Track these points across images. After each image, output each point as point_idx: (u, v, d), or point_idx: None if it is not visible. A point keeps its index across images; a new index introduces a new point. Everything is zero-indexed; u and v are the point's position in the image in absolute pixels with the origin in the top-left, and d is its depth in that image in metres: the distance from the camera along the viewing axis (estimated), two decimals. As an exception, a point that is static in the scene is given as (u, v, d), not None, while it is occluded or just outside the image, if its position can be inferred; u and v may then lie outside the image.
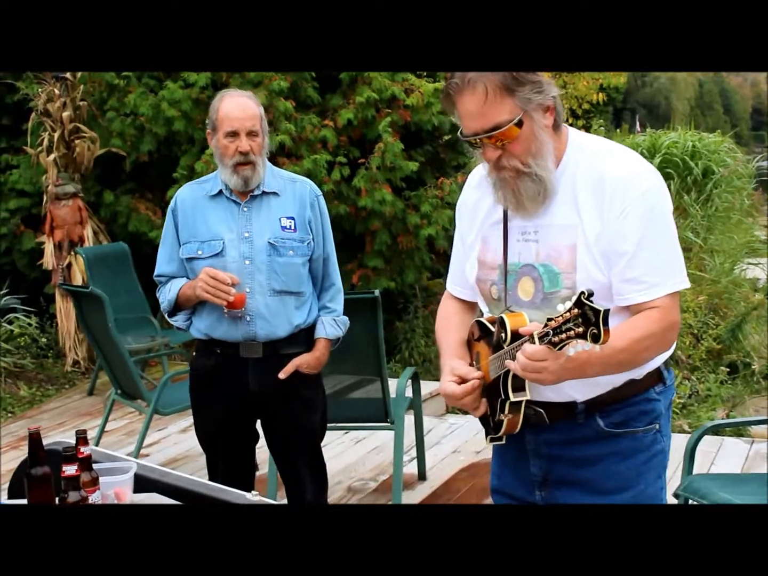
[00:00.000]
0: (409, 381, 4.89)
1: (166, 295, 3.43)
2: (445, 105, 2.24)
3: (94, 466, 2.65)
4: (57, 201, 7.39)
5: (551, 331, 1.97)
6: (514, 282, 2.30)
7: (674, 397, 5.41)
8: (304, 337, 3.47)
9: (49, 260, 7.47)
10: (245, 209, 3.36)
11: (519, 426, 2.29)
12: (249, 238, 3.34)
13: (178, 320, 3.46)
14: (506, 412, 2.25)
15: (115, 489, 2.57)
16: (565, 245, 2.22)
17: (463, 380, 2.32)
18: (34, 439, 2.43)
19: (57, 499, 2.32)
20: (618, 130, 14.30)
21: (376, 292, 4.27)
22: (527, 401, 2.26)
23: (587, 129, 13.26)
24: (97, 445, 5.43)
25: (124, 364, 5.03)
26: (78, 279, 7.36)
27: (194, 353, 3.57)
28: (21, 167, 8.09)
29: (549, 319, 1.99)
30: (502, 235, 2.33)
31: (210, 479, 3.59)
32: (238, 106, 3.28)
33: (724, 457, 5.37)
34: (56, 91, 7.40)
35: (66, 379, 7.46)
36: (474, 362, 2.39)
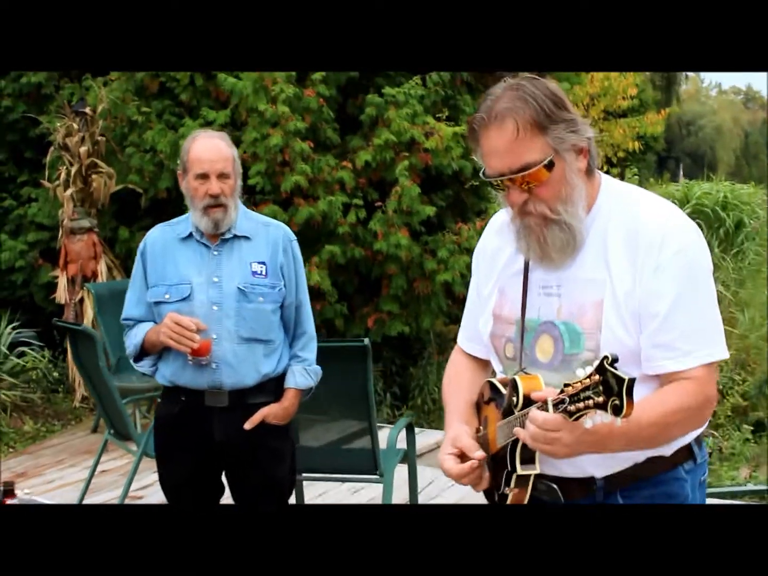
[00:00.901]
0: (405, 431, 4.75)
1: (132, 340, 3.33)
2: (470, 141, 2.05)
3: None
4: (72, 235, 7.38)
5: (567, 399, 1.76)
6: (532, 340, 2.10)
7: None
8: (272, 387, 3.35)
9: (62, 295, 7.45)
10: (215, 253, 3.27)
11: (526, 502, 2.06)
12: (218, 282, 3.24)
13: (144, 366, 3.36)
14: (512, 485, 2.03)
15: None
16: (590, 302, 2.01)
17: (463, 455, 2.10)
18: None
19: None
20: (651, 180, 14.13)
21: (366, 341, 4.14)
22: (538, 475, 2.04)
23: (621, 177, 13.10)
24: (88, 485, 5.34)
25: (114, 404, 4.94)
26: (90, 314, 7.33)
27: (159, 400, 3.46)
28: (40, 200, 8.12)
29: (566, 385, 1.78)
30: (522, 287, 2.13)
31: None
32: (209, 148, 3.20)
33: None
34: (75, 126, 7.42)
35: (73, 414, 7.40)
36: (482, 427, 2.18)
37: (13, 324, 7.74)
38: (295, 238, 3.41)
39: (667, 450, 2.05)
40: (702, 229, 9.44)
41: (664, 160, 36.65)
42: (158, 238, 3.37)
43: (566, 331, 2.03)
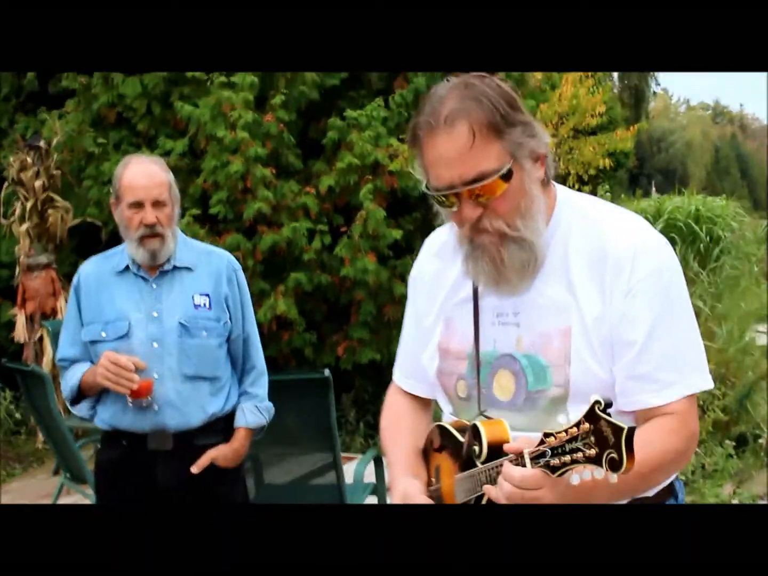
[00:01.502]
0: (374, 464, 4.57)
1: (68, 382, 3.11)
2: (410, 149, 1.80)
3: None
4: (29, 272, 7.20)
5: (549, 451, 1.50)
6: (489, 376, 1.84)
7: (679, 476, 4.94)
8: (221, 427, 3.14)
9: (21, 333, 7.24)
10: (154, 286, 3.07)
11: None
12: (158, 317, 3.04)
13: (82, 409, 3.15)
14: None
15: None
16: (555, 330, 1.77)
17: None
18: None
19: None
20: (623, 196, 14.12)
21: (326, 372, 3.95)
22: None
23: (594, 194, 13.05)
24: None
25: (68, 447, 4.75)
26: (50, 353, 7.11)
27: (98, 445, 3.26)
28: (-1, 235, 7.94)
29: (546, 435, 1.52)
30: (473, 316, 1.87)
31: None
32: (142, 174, 2.98)
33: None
34: (29, 160, 7.24)
35: (35, 456, 7.17)
36: (434, 479, 1.91)
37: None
38: (240, 267, 3.22)
39: (650, 492, 1.84)
40: (677, 244, 9.38)
41: (636, 177, 36.83)
42: (92, 271, 3.16)
43: (529, 365, 1.79)
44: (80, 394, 3.12)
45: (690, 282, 10.87)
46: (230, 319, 3.13)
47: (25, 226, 7.22)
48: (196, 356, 3.04)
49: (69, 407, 3.20)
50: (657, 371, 1.74)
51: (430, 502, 1.80)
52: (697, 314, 7.96)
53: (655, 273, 1.75)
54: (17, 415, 7.58)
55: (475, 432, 1.74)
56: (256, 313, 3.37)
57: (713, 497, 6.41)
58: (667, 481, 1.87)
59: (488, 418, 1.80)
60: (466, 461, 1.76)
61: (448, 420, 1.93)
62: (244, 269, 3.31)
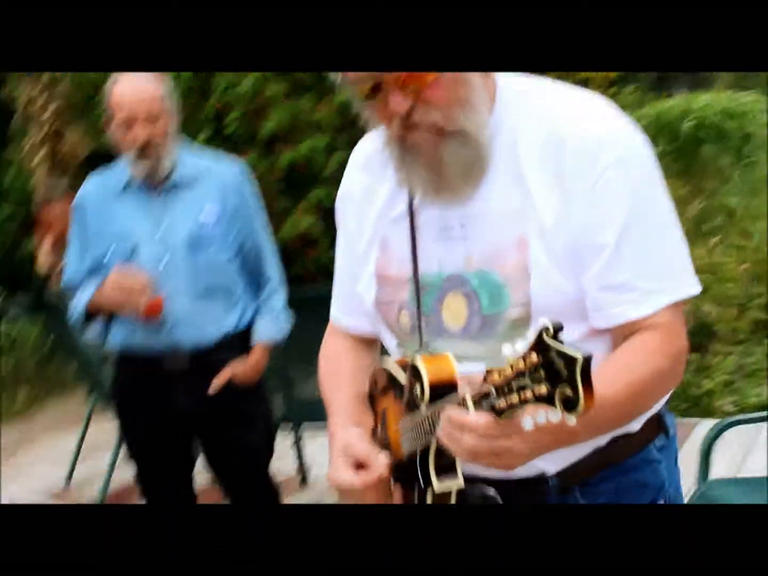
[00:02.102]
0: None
1: (76, 305, 3.03)
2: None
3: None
4: (48, 202, 7.18)
5: (494, 391, 1.23)
6: (435, 302, 1.58)
7: (719, 376, 4.61)
8: (237, 343, 3.03)
9: (44, 264, 7.24)
10: (158, 202, 2.95)
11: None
12: (164, 235, 2.93)
13: (92, 332, 3.09)
14: (429, 502, 1.49)
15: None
16: (509, 241, 1.50)
17: (361, 465, 1.56)
18: None
19: None
20: (651, 95, 13.77)
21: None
22: (468, 479, 1.50)
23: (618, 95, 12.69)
24: (78, 451, 5.19)
25: (97, 371, 4.75)
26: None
27: (112, 369, 3.21)
28: (11, 172, 7.96)
29: (488, 372, 1.25)
30: (410, 234, 1.60)
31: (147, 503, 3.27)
32: (131, 89, 2.83)
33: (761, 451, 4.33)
34: (38, 92, 7.19)
35: (67, 383, 7.25)
36: (379, 426, 1.66)
37: (2, 294, 7.58)
38: (249, 174, 3.09)
39: (635, 424, 1.59)
40: (707, 142, 9.12)
41: (662, 77, 35.98)
42: (93, 190, 3.05)
43: (482, 285, 1.53)
44: (89, 315, 3.04)
45: (723, 180, 10.66)
46: (240, 231, 3.01)
47: (39, 155, 7.20)
48: (206, 272, 2.95)
49: (79, 330, 3.14)
50: (634, 279, 1.49)
51: (371, 451, 1.57)
52: (732, 213, 7.84)
53: (624, 161, 1.48)
54: (48, 342, 7.64)
55: (414, 371, 1.48)
56: (279, 231, 3.27)
57: (755, 397, 6.32)
58: (654, 410, 1.62)
59: (430, 353, 1.54)
60: (408, 404, 1.53)
61: (392, 357, 1.68)
62: (264, 188, 3.19)
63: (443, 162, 1.49)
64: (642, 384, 1.47)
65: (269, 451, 3.24)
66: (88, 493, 4.98)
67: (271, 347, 3.12)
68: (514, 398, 1.20)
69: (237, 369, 3.02)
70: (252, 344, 3.07)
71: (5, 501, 2.38)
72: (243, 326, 3.06)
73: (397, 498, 1.58)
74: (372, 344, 1.81)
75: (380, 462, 1.54)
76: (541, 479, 1.57)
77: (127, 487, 4.76)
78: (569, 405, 1.16)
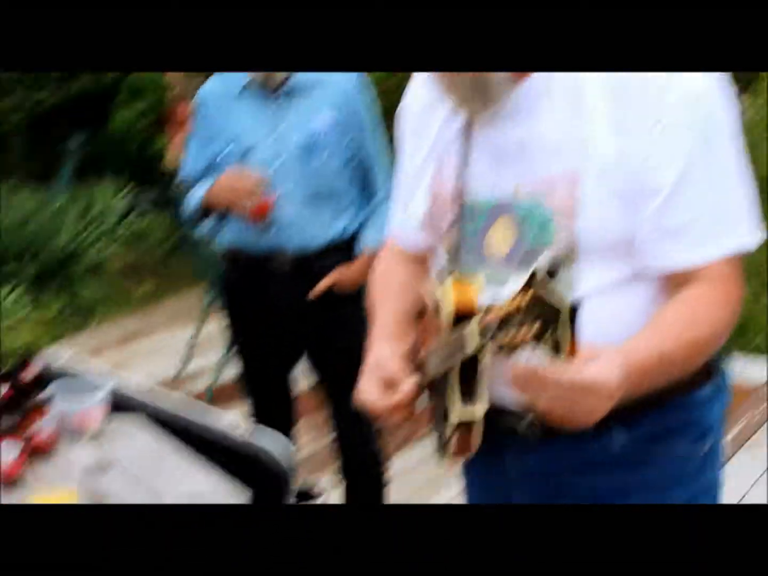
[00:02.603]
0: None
1: (191, 199, 3.10)
2: None
3: (66, 383, 2.39)
4: (180, 100, 7.20)
5: (496, 325, 1.21)
6: (482, 228, 1.53)
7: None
8: (342, 250, 3.06)
9: (173, 158, 7.33)
10: (275, 107, 2.96)
11: (477, 446, 1.50)
12: (279, 138, 2.95)
13: (204, 228, 3.17)
14: (451, 429, 1.47)
15: (79, 412, 2.30)
16: (562, 173, 1.44)
17: (392, 383, 1.53)
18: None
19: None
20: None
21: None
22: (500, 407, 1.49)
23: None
24: (191, 348, 5.28)
25: (216, 267, 4.79)
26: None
27: (223, 267, 3.27)
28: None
29: (490, 306, 1.24)
30: (462, 155, 1.55)
31: (248, 400, 3.33)
32: None
33: None
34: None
35: (189, 277, 7.36)
36: (417, 347, 1.62)
37: (130, 187, 7.69)
38: (368, 84, 3.06)
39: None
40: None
41: None
42: (212, 90, 3.10)
43: (529, 215, 1.47)
44: (203, 212, 3.09)
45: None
46: (353, 140, 3.01)
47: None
48: (316, 178, 2.96)
49: (193, 226, 3.19)
50: (691, 224, 1.42)
51: (401, 372, 1.53)
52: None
53: (692, 101, 1.40)
54: (173, 237, 7.77)
55: (444, 293, 1.44)
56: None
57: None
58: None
59: (462, 277, 1.49)
60: (438, 328, 1.47)
61: (437, 277, 1.63)
62: (386, 103, 3.14)
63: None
64: (705, 341, 1.44)
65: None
66: (196, 387, 5.08)
67: (374, 257, 3.09)
68: (511, 335, 1.19)
69: (341, 275, 3.05)
70: (357, 252, 3.08)
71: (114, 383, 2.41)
72: (349, 235, 3.08)
73: (423, 422, 1.57)
74: (425, 262, 1.76)
75: (407, 384, 1.51)
76: None
77: (233, 384, 4.87)
78: (555, 350, 1.17)
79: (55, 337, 5.78)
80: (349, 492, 3.33)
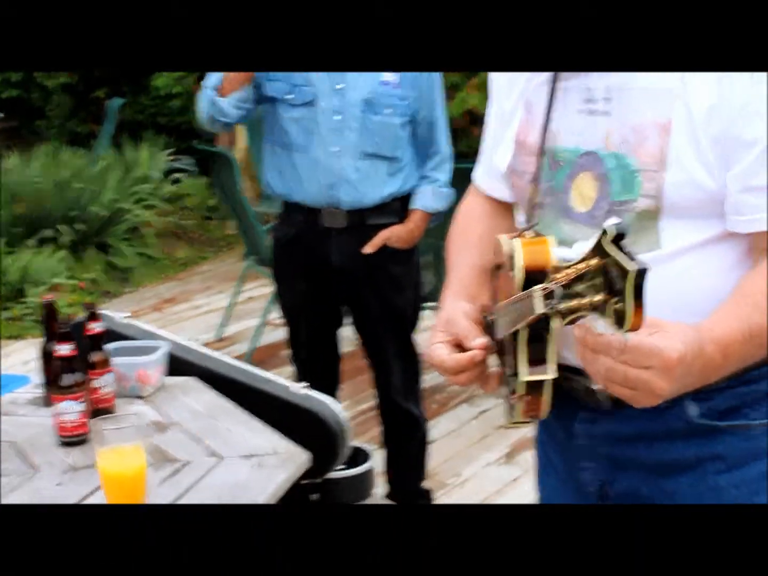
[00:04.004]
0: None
1: (207, 87, 3.03)
2: None
3: (123, 344, 2.42)
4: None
5: (560, 291, 1.12)
6: (567, 179, 1.45)
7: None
8: (397, 208, 3.06)
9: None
10: None
11: (546, 411, 1.43)
12: (343, 90, 2.93)
13: (229, 104, 2.99)
14: (518, 392, 1.40)
15: (138, 371, 2.33)
16: (652, 123, 1.35)
17: (460, 344, 1.45)
18: (48, 310, 2.21)
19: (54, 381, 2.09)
20: None
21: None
22: (572, 369, 1.44)
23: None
24: (231, 311, 5.31)
25: (253, 229, 4.82)
26: (243, 141, 7.18)
27: (277, 220, 3.26)
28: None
29: (556, 269, 1.16)
30: (548, 100, 1.46)
31: (293, 359, 3.35)
32: None
33: None
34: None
35: (225, 242, 7.40)
36: (491, 303, 1.54)
37: (170, 150, 7.72)
38: None
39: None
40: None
41: None
42: None
43: (616, 167, 1.39)
44: (225, 85, 2.98)
45: None
46: (417, 99, 2.99)
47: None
48: (377, 134, 2.95)
49: (209, 105, 3.04)
50: None
51: (471, 331, 1.45)
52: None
53: None
54: (210, 202, 7.79)
55: (515, 252, 1.34)
56: (448, 107, 3.22)
57: None
58: None
59: (534, 234, 1.40)
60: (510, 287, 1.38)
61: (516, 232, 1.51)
62: None
63: None
64: None
65: (414, 321, 3.26)
66: (235, 351, 5.12)
67: (429, 217, 3.13)
68: (574, 303, 1.10)
69: (393, 232, 3.05)
70: (411, 210, 3.09)
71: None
72: (404, 192, 3.08)
73: (492, 383, 1.46)
74: (509, 215, 1.66)
75: (476, 344, 1.42)
76: None
77: (274, 344, 4.90)
78: (619, 319, 1.06)
79: (94, 301, 5.81)
80: (391, 456, 3.35)
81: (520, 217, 1.57)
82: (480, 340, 1.43)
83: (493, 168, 1.61)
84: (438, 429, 4.01)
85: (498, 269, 1.48)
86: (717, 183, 1.34)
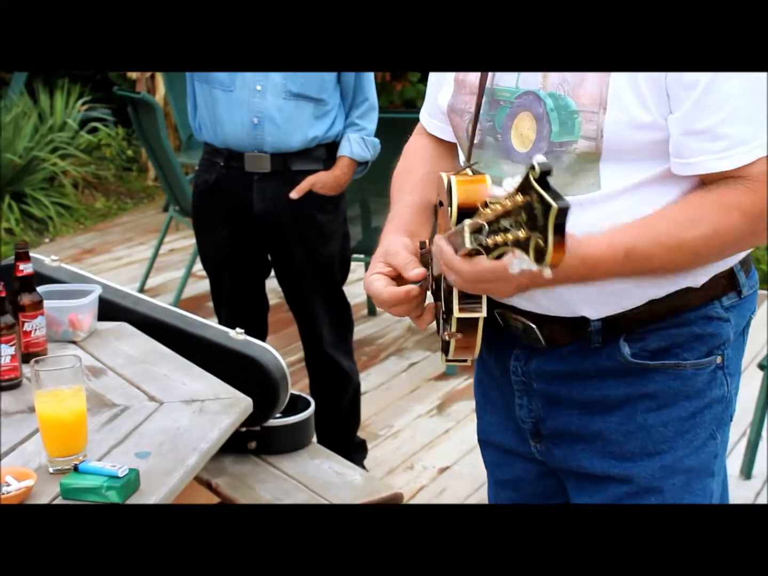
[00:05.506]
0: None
1: None
2: None
3: (53, 287, 2.33)
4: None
5: (486, 227, 1.14)
6: (506, 119, 1.44)
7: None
8: (322, 154, 3.02)
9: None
10: None
11: (477, 349, 1.45)
12: None
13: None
14: (451, 329, 1.43)
15: (70, 315, 2.25)
16: None
17: (398, 276, 1.47)
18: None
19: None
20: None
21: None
22: (511, 308, 1.48)
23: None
24: (152, 263, 5.19)
25: (177, 179, 4.72)
26: (162, 90, 7.01)
27: (197, 167, 3.19)
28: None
29: (485, 204, 1.16)
30: None
31: (215, 311, 3.28)
32: None
33: None
34: None
35: (145, 193, 7.25)
36: (428, 242, 1.56)
37: (85, 99, 7.48)
38: None
39: (699, 278, 1.45)
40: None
41: None
42: None
43: (555, 108, 1.39)
44: None
45: None
46: None
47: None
48: (303, 74, 2.90)
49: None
50: (723, 125, 1.31)
51: (409, 264, 1.46)
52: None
53: None
54: (129, 152, 7.60)
55: (449, 190, 1.36)
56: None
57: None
58: (723, 266, 1.47)
59: (471, 172, 1.42)
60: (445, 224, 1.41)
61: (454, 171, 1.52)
62: None
63: None
64: (701, 243, 1.34)
65: (343, 272, 3.23)
66: (160, 300, 4.99)
67: (356, 166, 3.08)
68: (500, 238, 1.12)
69: (319, 178, 3.00)
70: (337, 157, 3.04)
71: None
72: (330, 139, 3.04)
73: (427, 317, 1.49)
74: (453, 154, 1.65)
75: (414, 274, 1.44)
76: (581, 321, 1.47)
77: (199, 296, 4.81)
78: (539, 255, 1.07)
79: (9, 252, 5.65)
80: (322, 408, 3.30)
81: (461, 157, 1.57)
82: (418, 270, 1.44)
83: (437, 107, 1.60)
84: (368, 381, 4.00)
85: (440, 207, 1.48)
86: (655, 125, 1.34)
